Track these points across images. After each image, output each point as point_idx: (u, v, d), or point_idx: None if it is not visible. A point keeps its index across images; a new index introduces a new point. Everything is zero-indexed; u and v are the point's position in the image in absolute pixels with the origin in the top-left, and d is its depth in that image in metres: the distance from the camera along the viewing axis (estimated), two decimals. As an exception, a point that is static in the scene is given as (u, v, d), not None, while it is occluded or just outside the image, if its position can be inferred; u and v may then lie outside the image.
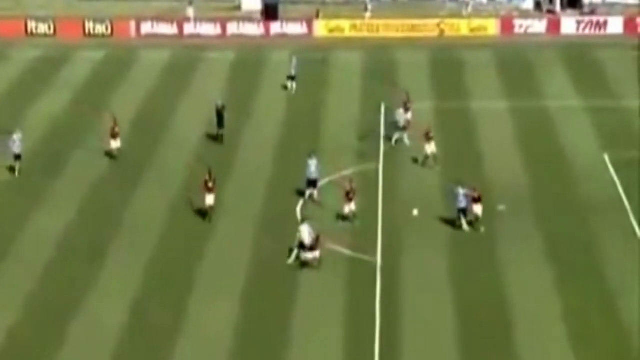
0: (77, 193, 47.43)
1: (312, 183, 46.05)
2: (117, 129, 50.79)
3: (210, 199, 44.05)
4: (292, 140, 53.53)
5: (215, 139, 52.68)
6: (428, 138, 49.06)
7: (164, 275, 40.41)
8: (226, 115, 52.78)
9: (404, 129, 52.01)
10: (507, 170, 48.97)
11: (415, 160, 49.63)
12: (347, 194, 43.65)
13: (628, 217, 44.25)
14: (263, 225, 44.22)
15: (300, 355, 35.36)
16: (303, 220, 41.88)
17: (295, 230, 42.10)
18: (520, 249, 41.63)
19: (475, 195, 42.69)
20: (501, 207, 43.04)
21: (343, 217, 43.77)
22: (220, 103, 52.95)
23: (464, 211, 42.59)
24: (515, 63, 65.11)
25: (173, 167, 50.11)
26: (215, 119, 52.67)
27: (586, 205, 45.46)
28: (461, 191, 42.45)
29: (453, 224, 43.29)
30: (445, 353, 35.30)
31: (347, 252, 41.78)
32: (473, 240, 42.21)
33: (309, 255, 40.11)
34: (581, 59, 65.72)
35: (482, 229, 42.57)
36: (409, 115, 52.48)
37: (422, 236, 42.87)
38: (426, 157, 49.00)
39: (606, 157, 50.25)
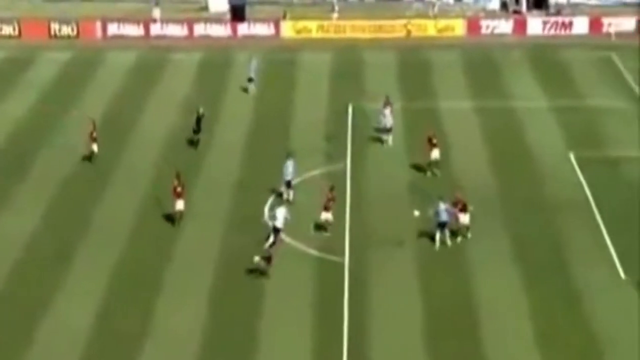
0: (44, 194, 47.34)
1: (288, 184, 46.19)
2: (95, 134, 50.62)
3: (179, 204, 43.94)
4: (260, 141, 53.65)
5: (192, 143, 52.48)
6: (432, 144, 48.29)
7: (131, 277, 40.42)
8: (204, 121, 52.72)
9: (390, 130, 52.22)
10: (474, 170, 49.29)
11: (418, 169, 48.99)
12: (327, 201, 43.33)
13: (594, 216, 44.69)
14: (231, 227, 44.31)
15: (269, 357, 35.51)
16: (282, 203, 42.42)
17: (264, 230, 42.39)
18: (488, 248, 41.94)
19: (459, 207, 42.06)
20: (470, 208, 43.26)
21: (319, 226, 43.38)
22: (201, 110, 52.91)
23: (443, 225, 41.97)
24: (482, 63, 65.54)
25: (141, 168, 50.10)
26: (194, 125, 52.32)
27: (552, 204, 45.85)
28: (442, 206, 41.84)
29: (421, 222, 43.50)
30: (412, 352, 35.55)
31: (314, 252, 41.96)
32: (441, 240, 42.39)
33: (255, 259, 39.72)
34: (547, 59, 66.24)
35: (469, 235, 42.09)
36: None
37: (389, 236, 43.09)
38: (429, 163, 48.31)
39: (572, 157, 50.76)
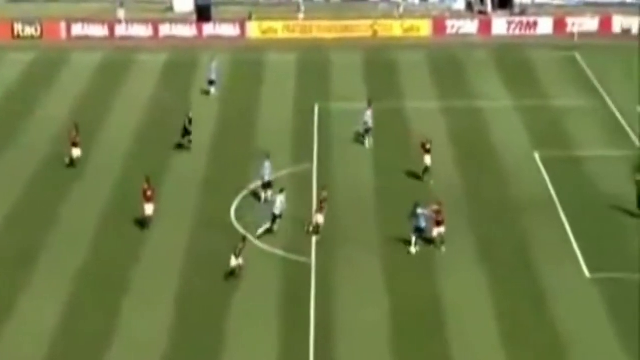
0: (8, 194, 47.06)
1: (267, 185, 46.06)
2: (78, 138, 50.12)
3: (149, 209, 43.43)
4: (227, 141, 53.57)
5: (180, 146, 51.60)
6: (426, 150, 47.71)
7: (98, 279, 40.25)
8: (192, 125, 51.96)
9: (370, 130, 52.04)
10: (441, 170, 49.35)
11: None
12: (320, 203, 43.10)
13: (559, 215, 44.98)
14: (198, 227, 44.23)
15: (236, 358, 35.49)
16: (282, 191, 43.09)
17: (231, 231, 42.39)
18: (454, 248, 42.03)
19: (440, 218, 41.30)
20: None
21: (314, 228, 42.95)
22: (190, 114, 52.21)
23: (419, 230, 41.22)
24: (447, 63, 65.74)
25: (107, 169, 49.90)
26: (184, 127, 51.47)
27: (518, 204, 46.05)
28: (419, 211, 41.27)
29: (387, 224, 43.59)
30: (378, 352, 35.62)
31: (281, 253, 41.97)
32: (407, 241, 42.51)
33: (232, 263, 39.75)
34: (512, 59, 66.57)
35: (444, 249, 41.48)
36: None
37: (356, 236, 43.18)
38: (426, 169, 47.69)
39: (537, 156, 51.07)
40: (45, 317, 37.45)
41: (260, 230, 42.25)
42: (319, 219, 42.89)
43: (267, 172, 46.17)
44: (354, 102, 57.39)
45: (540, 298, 38.72)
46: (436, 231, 41.68)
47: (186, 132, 51.81)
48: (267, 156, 46.74)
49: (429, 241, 42.00)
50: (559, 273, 40.37)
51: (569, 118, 56.05)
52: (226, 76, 62.45)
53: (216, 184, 48.42)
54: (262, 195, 46.08)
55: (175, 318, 37.62)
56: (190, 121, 52.02)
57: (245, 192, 47.19)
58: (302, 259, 41.53)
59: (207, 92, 60.09)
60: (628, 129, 54.33)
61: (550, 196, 46.78)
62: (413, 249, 41.54)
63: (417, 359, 35.43)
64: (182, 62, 66.55)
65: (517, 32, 72.07)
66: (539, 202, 46.15)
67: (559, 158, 50.70)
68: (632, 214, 44.60)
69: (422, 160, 47.92)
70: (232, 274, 39.67)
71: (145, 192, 43.59)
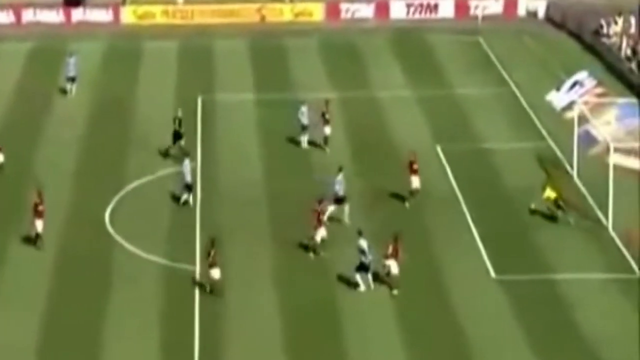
0: None
1: (189, 187, 46.02)
2: None
3: (39, 225, 42.37)
4: (102, 137, 53.39)
5: (166, 154, 50.50)
6: (413, 170, 45.99)
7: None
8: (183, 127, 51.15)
9: (306, 128, 52.21)
10: (336, 163, 49.94)
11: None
12: (318, 215, 42.21)
13: (461, 209, 45.98)
14: (70, 228, 44.11)
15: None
16: (340, 169, 44.65)
17: (105, 233, 42.35)
18: (349, 247, 42.48)
19: (391, 254, 39.38)
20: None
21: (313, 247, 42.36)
22: (179, 113, 51.13)
23: (363, 267, 39.58)
24: (342, 50, 66.35)
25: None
26: (176, 129, 50.46)
27: (420, 200, 46.76)
28: (364, 243, 39.79)
29: (277, 224, 43.94)
30: (271, 359, 36.06)
31: (163, 261, 42.02)
32: (299, 241, 42.91)
33: (215, 275, 39.50)
34: (412, 44, 67.42)
35: (395, 292, 39.41)
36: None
37: (243, 238, 43.51)
38: (411, 192, 46.03)
39: (439, 149, 52.04)
40: None
41: (325, 217, 42.52)
42: (319, 234, 41.91)
43: (187, 171, 46.08)
44: (240, 93, 57.76)
45: (444, 298, 39.47)
46: (393, 268, 39.57)
47: (177, 136, 50.42)
48: (187, 154, 46.69)
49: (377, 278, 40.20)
50: (463, 272, 41.27)
51: (473, 108, 57.13)
52: (98, 66, 62.30)
53: (89, 183, 48.29)
54: (184, 197, 46.02)
55: (46, 321, 37.60)
56: (180, 123, 50.61)
57: (122, 194, 47.20)
58: (186, 266, 41.68)
59: (66, 92, 58.68)
60: (535, 118, 55.63)
61: (453, 191, 47.74)
62: (362, 287, 39.80)
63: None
64: (49, 50, 65.98)
65: (417, 15, 73.17)
66: (441, 198, 47.06)
67: (462, 151, 51.74)
68: (535, 211, 45.52)
69: (409, 182, 46.03)
70: (211, 291, 39.43)
71: (36, 207, 42.62)
